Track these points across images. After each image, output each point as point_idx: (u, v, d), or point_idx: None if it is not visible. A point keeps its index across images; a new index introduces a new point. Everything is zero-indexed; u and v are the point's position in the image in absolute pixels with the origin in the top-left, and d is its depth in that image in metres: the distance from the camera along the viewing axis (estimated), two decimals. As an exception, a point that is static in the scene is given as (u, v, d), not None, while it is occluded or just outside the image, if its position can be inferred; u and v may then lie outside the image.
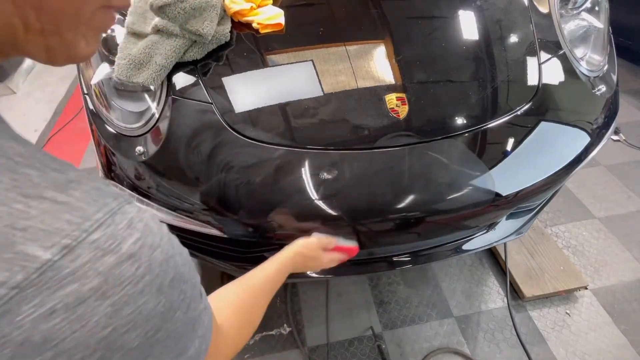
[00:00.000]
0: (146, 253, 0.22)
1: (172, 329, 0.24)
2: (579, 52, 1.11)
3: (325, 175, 0.86)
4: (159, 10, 0.87)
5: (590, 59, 1.12)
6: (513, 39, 1.09)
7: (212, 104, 0.92)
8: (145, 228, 0.23)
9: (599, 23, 1.16)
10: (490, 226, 1.13)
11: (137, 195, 0.91)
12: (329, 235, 0.83)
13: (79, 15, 0.26)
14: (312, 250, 0.78)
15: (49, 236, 0.19)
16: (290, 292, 1.44)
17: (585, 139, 0.98)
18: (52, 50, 0.26)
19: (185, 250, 0.29)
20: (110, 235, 0.21)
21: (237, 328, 0.50)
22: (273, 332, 1.34)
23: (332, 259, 0.83)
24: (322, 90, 0.95)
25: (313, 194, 0.84)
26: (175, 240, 0.27)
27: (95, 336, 0.19)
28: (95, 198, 0.22)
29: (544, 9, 1.14)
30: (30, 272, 0.18)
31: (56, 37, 0.25)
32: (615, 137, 2.03)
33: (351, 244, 0.87)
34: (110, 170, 0.95)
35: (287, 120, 0.92)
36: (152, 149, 0.90)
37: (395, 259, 1.08)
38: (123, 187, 0.93)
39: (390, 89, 0.96)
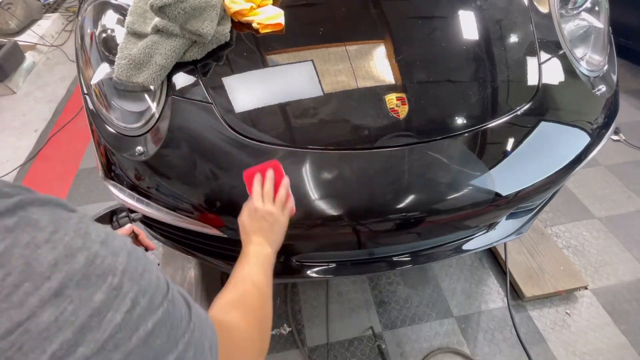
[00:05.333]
0: (19, 255, 0.18)
1: (103, 338, 0.20)
2: (579, 52, 1.11)
3: (325, 175, 0.86)
4: (159, 10, 0.87)
5: (590, 59, 1.12)
6: (513, 39, 1.09)
7: (212, 104, 0.92)
8: (20, 221, 0.19)
9: (599, 23, 1.16)
10: (490, 226, 1.13)
11: (137, 195, 0.91)
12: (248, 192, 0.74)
13: None
14: (253, 222, 0.68)
15: None
16: (291, 292, 1.44)
17: (585, 139, 0.98)
18: None
19: (119, 238, 0.25)
20: None
21: (245, 327, 0.47)
22: (273, 332, 1.34)
23: (280, 196, 0.72)
24: (322, 90, 0.95)
25: (313, 194, 0.85)
26: (94, 228, 0.23)
27: None
28: None
29: (544, 9, 1.14)
30: None
31: None
32: (615, 137, 2.03)
33: (266, 162, 0.75)
34: (110, 170, 0.95)
35: (287, 120, 0.92)
36: (152, 148, 0.90)
37: (395, 259, 1.08)
38: (123, 187, 0.93)
39: (390, 89, 0.96)
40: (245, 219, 0.70)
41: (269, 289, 0.59)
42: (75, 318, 0.19)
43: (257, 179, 0.74)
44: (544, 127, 0.95)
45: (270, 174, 0.74)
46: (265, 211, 0.69)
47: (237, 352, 0.40)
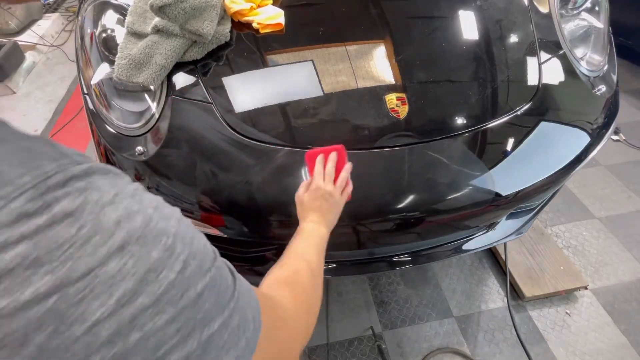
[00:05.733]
0: (90, 211, 0.21)
1: (158, 292, 0.22)
2: (579, 52, 1.11)
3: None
4: (159, 10, 0.87)
5: (590, 59, 1.12)
6: (513, 39, 1.09)
7: (212, 104, 0.92)
8: (88, 185, 0.22)
9: (599, 23, 1.16)
10: (490, 226, 1.13)
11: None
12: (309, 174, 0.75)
13: None
14: (312, 201, 0.69)
15: None
16: (290, 292, 1.43)
17: (585, 139, 0.98)
18: None
19: (170, 207, 0.27)
20: (39, 198, 0.19)
21: (294, 305, 0.46)
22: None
23: (342, 179, 0.72)
24: (322, 90, 0.95)
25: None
26: (147, 196, 0.25)
27: (33, 309, 0.17)
28: (22, 160, 0.20)
29: (544, 9, 1.14)
30: None
31: None
32: (615, 137, 2.03)
33: (330, 146, 0.75)
34: (110, 170, 0.95)
35: (287, 120, 0.92)
36: (152, 148, 0.90)
37: (395, 259, 1.08)
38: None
39: (390, 89, 0.96)
40: (304, 196, 0.70)
41: (320, 270, 0.59)
42: (136, 271, 0.21)
43: (319, 159, 0.74)
44: (544, 127, 0.95)
45: (333, 156, 0.74)
46: (326, 191, 0.69)
47: (282, 329, 0.40)
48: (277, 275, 0.53)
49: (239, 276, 0.31)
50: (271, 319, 0.36)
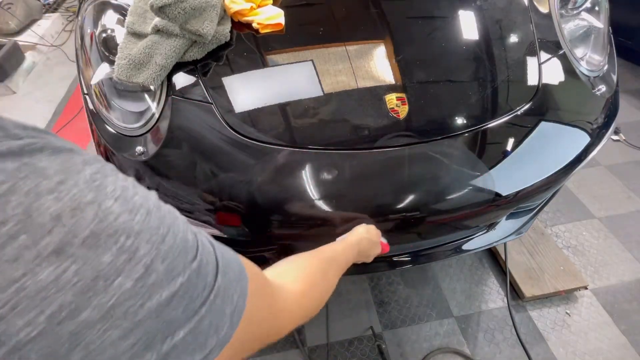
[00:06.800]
0: (18, 202, 0.16)
1: (109, 303, 0.18)
2: (579, 52, 1.11)
3: (325, 176, 0.86)
4: (159, 11, 0.87)
5: (590, 58, 1.12)
6: (513, 39, 1.09)
7: (212, 104, 0.92)
8: (23, 167, 0.17)
9: (599, 23, 1.16)
10: (490, 226, 1.13)
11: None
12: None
13: None
14: (374, 236, 0.81)
15: None
16: (290, 292, 1.43)
17: (585, 139, 0.98)
18: None
19: (142, 192, 0.22)
20: None
21: (301, 291, 0.47)
22: (273, 332, 1.34)
23: (381, 249, 0.86)
24: (322, 90, 0.95)
25: (313, 194, 0.85)
26: (111, 181, 0.21)
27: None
28: None
29: (544, 9, 1.14)
30: None
31: None
32: (615, 137, 2.03)
33: (384, 241, 0.90)
34: (110, 170, 0.95)
35: (287, 121, 0.93)
36: (152, 149, 0.90)
37: (395, 259, 1.08)
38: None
39: (390, 89, 0.96)
40: (365, 229, 0.80)
41: (332, 278, 0.61)
42: (78, 280, 0.17)
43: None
44: (544, 127, 0.95)
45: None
46: (375, 244, 0.82)
47: (275, 315, 0.39)
48: (294, 259, 0.55)
49: (226, 262, 0.27)
50: (263, 304, 0.34)
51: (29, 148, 0.18)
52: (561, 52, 1.07)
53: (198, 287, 0.23)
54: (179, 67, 0.96)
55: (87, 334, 0.17)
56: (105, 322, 0.18)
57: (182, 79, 0.96)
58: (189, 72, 0.97)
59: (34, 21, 2.90)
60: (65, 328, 0.16)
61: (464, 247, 1.12)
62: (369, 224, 0.83)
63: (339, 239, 0.77)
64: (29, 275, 0.16)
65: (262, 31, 1.01)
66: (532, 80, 1.01)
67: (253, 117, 0.92)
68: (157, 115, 0.93)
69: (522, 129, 0.95)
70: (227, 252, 0.28)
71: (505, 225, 1.16)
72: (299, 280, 0.48)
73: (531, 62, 1.04)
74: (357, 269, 1.08)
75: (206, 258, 0.25)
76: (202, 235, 0.26)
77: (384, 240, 0.89)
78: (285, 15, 1.02)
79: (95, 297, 0.17)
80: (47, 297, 0.16)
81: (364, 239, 0.77)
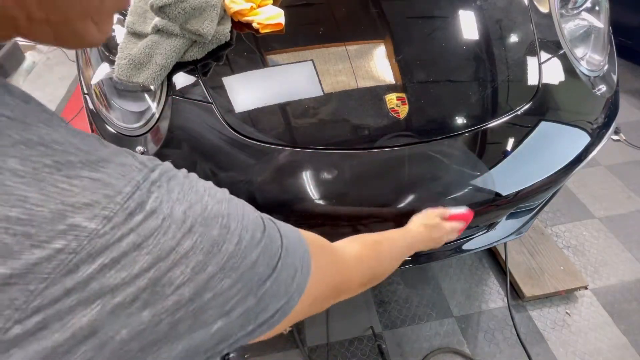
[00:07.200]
0: (166, 207, 0.26)
1: (222, 261, 0.28)
2: (579, 51, 1.11)
3: (325, 175, 0.86)
4: (159, 10, 0.87)
5: (591, 58, 1.12)
6: (513, 38, 1.09)
7: (212, 104, 0.92)
8: (161, 185, 0.28)
9: (599, 23, 1.16)
10: (490, 226, 1.13)
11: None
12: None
13: (87, 3, 0.26)
14: (433, 219, 0.80)
15: (90, 209, 0.23)
16: (290, 292, 1.44)
17: (586, 139, 0.98)
18: (61, 38, 0.27)
19: (220, 191, 0.33)
20: (138, 200, 0.25)
21: (358, 256, 0.55)
22: (273, 332, 1.34)
23: (453, 227, 0.82)
24: (322, 90, 0.95)
25: (313, 194, 0.85)
26: (201, 185, 0.31)
27: (141, 278, 0.24)
28: (122, 174, 0.26)
29: (544, 9, 1.14)
30: (81, 239, 0.22)
31: (64, 26, 0.27)
32: (615, 137, 2.03)
33: (463, 210, 0.85)
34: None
35: (287, 120, 0.93)
36: (152, 149, 0.90)
37: (395, 258, 1.08)
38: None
39: (390, 88, 0.96)
40: (436, 217, 0.80)
41: (394, 260, 0.66)
42: (203, 246, 0.27)
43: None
44: (544, 127, 0.95)
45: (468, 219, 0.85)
46: (447, 233, 0.81)
47: (335, 272, 0.48)
48: (360, 235, 0.62)
49: (286, 233, 0.37)
50: (327, 260, 0.46)
51: (161, 174, 0.28)
52: (561, 52, 1.07)
53: (273, 249, 0.33)
54: (179, 67, 0.96)
55: (212, 281, 0.27)
56: (221, 273, 0.28)
57: (182, 79, 0.96)
58: (189, 72, 0.97)
59: (34, 21, 2.89)
60: (201, 276, 0.27)
61: (464, 247, 1.12)
62: (429, 209, 0.82)
63: (398, 229, 0.76)
64: (179, 245, 0.26)
65: (262, 31, 1.01)
66: (532, 80, 1.01)
67: (253, 117, 0.92)
68: (157, 115, 0.93)
69: (522, 129, 0.95)
70: (282, 224, 0.38)
71: (505, 225, 1.16)
72: (355, 248, 0.56)
73: (531, 62, 1.04)
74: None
75: (271, 229, 0.35)
76: (260, 213, 0.37)
77: (463, 210, 0.84)
78: (285, 15, 1.02)
79: (214, 257, 0.27)
80: (189, 257, 0.26)
81: (421, 225, 0.77)
